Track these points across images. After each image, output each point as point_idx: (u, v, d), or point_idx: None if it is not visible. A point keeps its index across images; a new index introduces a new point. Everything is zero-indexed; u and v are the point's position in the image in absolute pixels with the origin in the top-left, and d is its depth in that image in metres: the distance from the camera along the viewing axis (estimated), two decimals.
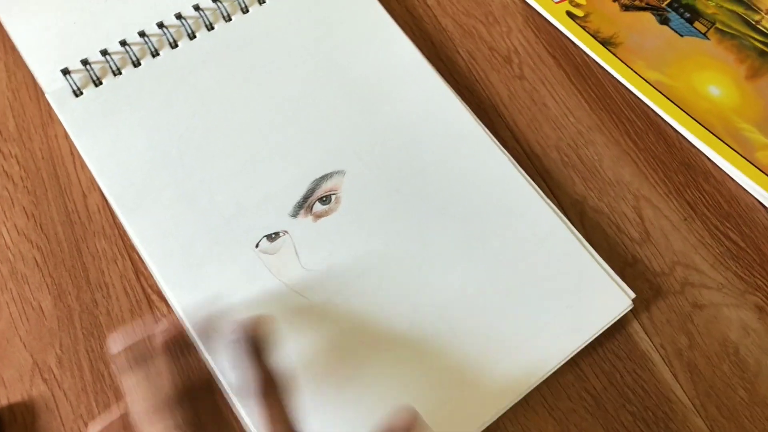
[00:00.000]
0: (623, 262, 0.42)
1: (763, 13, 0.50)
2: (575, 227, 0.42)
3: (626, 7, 0.50)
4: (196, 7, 0.46)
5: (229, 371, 0.36)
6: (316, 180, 0.42)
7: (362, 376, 0.38)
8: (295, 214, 0.41)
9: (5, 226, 0.41)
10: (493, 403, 0.37)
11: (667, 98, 0.47)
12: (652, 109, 0.47)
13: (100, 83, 0.44)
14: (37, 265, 0.41)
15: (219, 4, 0.47)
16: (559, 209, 0.43)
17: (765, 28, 0.49)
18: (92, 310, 0.40)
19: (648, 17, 0.50)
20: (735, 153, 0.45)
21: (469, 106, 0.45)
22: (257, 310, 0.38)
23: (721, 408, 0.39)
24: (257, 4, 0.47)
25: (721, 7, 0.50)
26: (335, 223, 0.41)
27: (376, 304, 0.39)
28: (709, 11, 0.50)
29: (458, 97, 0.45)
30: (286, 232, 0.41)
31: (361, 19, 0.48)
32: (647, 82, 0.47)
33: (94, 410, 0.38)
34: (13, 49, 0.46)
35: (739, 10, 0.50)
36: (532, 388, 0.38)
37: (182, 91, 0.44)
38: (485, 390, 0.38)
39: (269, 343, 0.34)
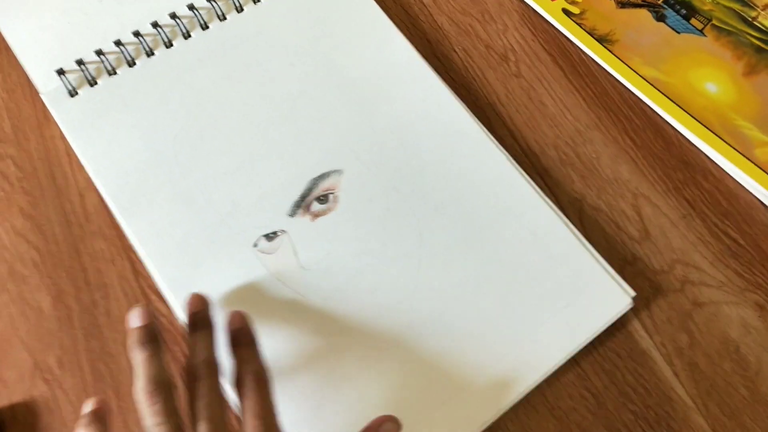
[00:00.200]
0: (623, 261, 0.42)
1: (759, 10, 0.50)
2: (574, 225, 0.42)
3: (622, 4, 0.50)
4: (191, 7, 0.46)
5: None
6: (314, 179, 0.42)
7: (361, 376, 0.37)
8: (292, 214, 0.41)
9: (2, 227, 0.41)
10: (493, 403, 0.37)
11: (665, 95, 0.47)
12: (649, 107, 0.47)
13: (96, 83, 0.44)
14: (36, 265, 0.40)
15: (213, 3, 0.46)
16: (557, 207, 0.43)
17: (761, 24, 0.49)
18: (91, 311, 0.40)
19: (644, 14, 0.50)
20: (733, 150, 0.45)
21: (466, 104, 0.45)
22: (255, 309, 0.38)
23: (722, 406, 0.39)
24: (252, 3, 0.47)
25: (718, 3, 0.50)
26: (333, 223, 0.41)
27: (374, 303, 0.39)
28: (706, 8, 0.50)
29: (455, 95, 0.45)
30: (284, 231, 0.41)
31: (356, 17, 0.48)
32: (644, 79, 0.47)
33: None
34: (7, 49, 0.45)
35: (736, 6, 0.50)
36: (533, 387, 0.38)
37: (178, 91, 0.44)
38: (486, 389, 0.37)
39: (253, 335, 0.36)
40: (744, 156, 0.45)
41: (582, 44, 0.49)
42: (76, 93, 0.44)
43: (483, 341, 0.39)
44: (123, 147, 0.42)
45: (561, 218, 0.42)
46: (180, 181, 0.42)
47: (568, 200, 0.44)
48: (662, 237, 0.43)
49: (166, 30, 0.46)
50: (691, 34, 0.49)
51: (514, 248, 0.41)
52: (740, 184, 0.45)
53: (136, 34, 0.45)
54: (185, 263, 0.39)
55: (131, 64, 0.45)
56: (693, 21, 0.49)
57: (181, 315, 0.38)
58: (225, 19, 0.47)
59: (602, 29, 0.49)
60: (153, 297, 0.40)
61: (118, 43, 0.45)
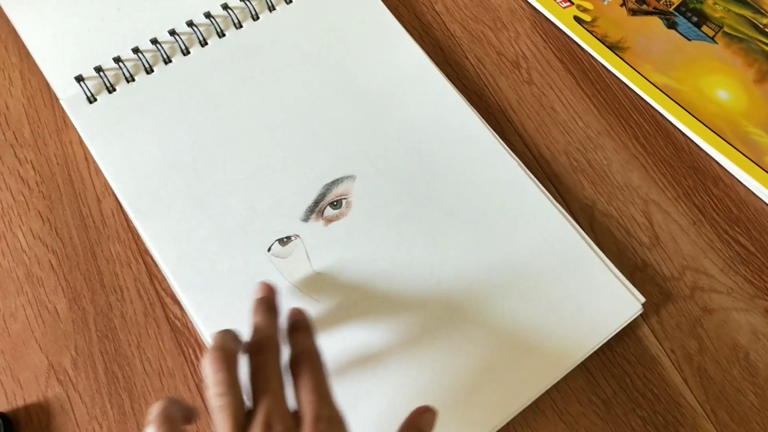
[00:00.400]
0: (633, 267, 0.43)
1: None
2: (585, 231, 0.42)
3: (634, 12, 0.50)
4: (207, 15, 0.47)
5: None
6: (327, 184, 0.43)
7: (373, 379, 0.38)
8: (306, 219, 0.42)
9: (21, 230, 0.42)
10: (503, 407, 0.38)
11: (676, 102, 0.47)
12: (660, 113, 0.47)
13: (114, 90, 0.45)
14: (53, 268, 0.41)
15: (230, 11, 0.47)
16: (568, 213, 0.43)
17: None
18: (107, 313, 0.40)
19: (655, 21, 0.50)
20: (744, 157, 0.45)
21: (477, 111, 0.46)
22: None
23: (731, 413, 0.39)
24: (267, 11, 0.48)
25: (729, 11, 0.50)
26: (346, 228, 0.42)
27: (386, 307, 0.40)
28: (717, 15, 0.50)
29: (467, 101, 0.46)
30: (297, 236, 0.41)
31: (370, 25, 0.48)
32: (655, 86, 0.47)
33: (109, 412, 0.38)
34: (27, 56, 0.46)
35: (747, 13, 0.50)
36: (542, 392, 0.38)
37: (194, 97, 0.45)
38: (495, 394, 0.38)
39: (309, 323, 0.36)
40: (754, 163, 0.45)
41: (593, 51, 0.49)
42: (95, 99, 0.44)
43: (494, 346, 0.39)
44: (141, 152, 0.43)
45: (572, 224, 0.42)
46: (197, 187, 0.42)
47: (579, 206, 0.44)
48: (672, 243, 0.43)
49: (184, 37, 0.46)
50: (703, 42, 0.49)
51: (526, 254, 0.41)
52: (750, 191, 0.45)
53: (154, 41, 0.46)
54: (201, 267, 0.40)
55: (149, 71, 0.46)
56: (704, 28, 0.50)
57: (196, 318, 0.39)
58: (241, 26, 0.47)
59: (613, 36, 0.49)
60: (168, 300, 0.41)
61: (136, 50, 0.46)
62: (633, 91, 0.48)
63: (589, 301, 0.40)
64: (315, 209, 0.42)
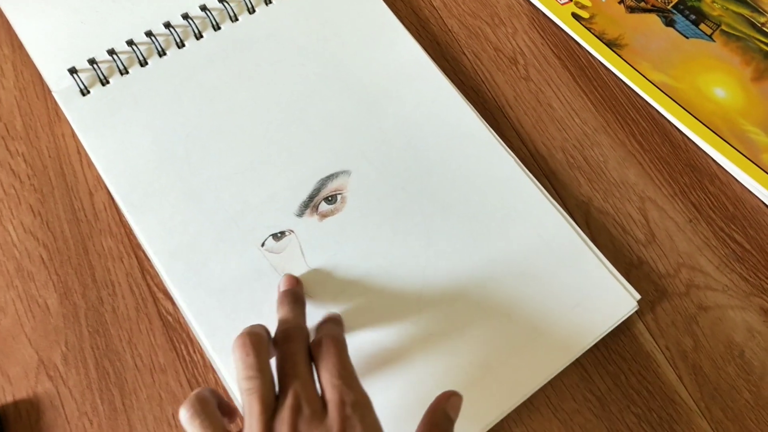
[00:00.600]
0: (628, 264, 0.42)
1: None
2: (580, 228, 0.42)
3: (632, 9, 0.50)
4: (203, 8, 0.47)
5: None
6: (322, 179, 0.42)
7: (365, 376, 0.38)
8: (300, 214, 0.41)
9: (12, 223, 0.42)
10: (497, 404, 0.37)
11: (673, 100, 0.47)
12: (657, 111, 0.47)
13: (107, 82, 0.44)
14: (44, 262, 0.41)
15: (225, 4, 0.47)
16: (564, 210, 0.43)
17: None
18: (98, 308, 0.40)
19: (653, 19, 0.50)
20: (740, 155, 0.45)
21: (474, 106, 0.45)
22: (262, 309, 0.39)
23: (726, 410, 0.39)
24: (264, 4, 0.48)
25: (727, 9, 0.50)
26: (341, 223, 0.41)
27: (380, 303, 0.39)
28: (715, 13, 0.50)
29: (464, 97, 0.45)
30: (291, 231, 0.41)
31: (367, 19, 0.48)
32: (652, 83, 0.47)
33: (99, 408, 0.38)
34: (20, 47, 0.46)
35: (745, 12, 0.50)
36: (536, 389, 0.38)
37: (189, 91, 0.44)
38: (489, 390, 0.38)
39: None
40: (751, 161, 0.45)
41: (591, 48, 0.49)
42: (88, 92, 0.44)
43: (488, 342, 0.39)
44: (134, 146, 0.43)
45: (568, 221, 0.42)
46: (190, 181, 0.42)
47: (575, 203, 0.44)
48: (668, 240, 0.43)
49: (179, 30, 0.46)
50: (700, 39, 0.49)
51: (521, 250, 0.41)
52: (747, 189, 0.45)
53: (149, 34, 0.46)
54: (193, 262, 0.40)
55: (143, 63, 0.45)
56: (702, 26, 0.49)
57: (188, 313, 0.39)
58: (237, 20, 0.47)
59: (611, 33, 0.49)
60: (160, 296, 0.40)
61: (130, 42, 0.45)
62: (630, 88, 0.48)
63: (585, 298, 0.40)
64: (309, 204, 0.42)
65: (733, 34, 0.49)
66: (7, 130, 0.44)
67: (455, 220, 0.42)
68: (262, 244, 0.40)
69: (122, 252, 0.41)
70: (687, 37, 0.49)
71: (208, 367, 0.39)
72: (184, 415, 0.30)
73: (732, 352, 0.40)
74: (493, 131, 0.44)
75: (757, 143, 0.45)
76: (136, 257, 0.41)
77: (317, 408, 0.30)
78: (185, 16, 0.46)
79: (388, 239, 0.41)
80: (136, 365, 0.39)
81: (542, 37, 0.50)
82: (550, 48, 0.49)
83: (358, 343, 0.38)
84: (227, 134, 0.43)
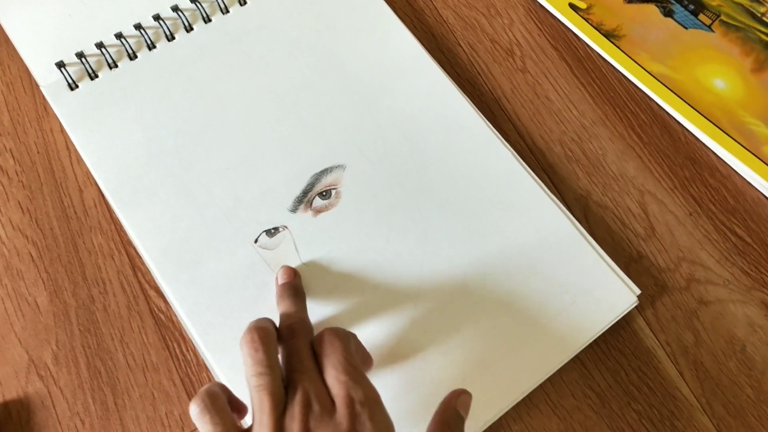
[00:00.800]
0: (628, 258, 0.42)
1: None
2: (579, 222, 0.42)
3: None
4: None
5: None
6: (316, 174, 0.42)
7: None
8: (294, 209, 0.41)
9: (0, 221, 0.41)
10: (496, 401, 0.37)
11: (672, 91, 0.46)
12: (656, 103, 0.46)
13: (96, 76, 0.43)
14: (33, 260, 0.40)
15: None
16: (562, 204, 0.42)
17: None
18: (89, 306, 0.39)
19: (652, 9, 0.49)
20: (741, 147, 0.44)
21: (470, 99, 0.45)
22: (256, 306, 0.38)
23: (727, 406, 0.39)
24: None
25: None
26: (335, 219, 0.41)
27: (376, 300, 0.39)
28: (714, 3, 0.49)
29: (460, 90, 0.45)
30: (285, 227, 0.40)
31: (361, 11, 0.47)
32: (651, 74, 0.47)
33: (91, 407, 0.37)
34: (7, 41, 0.45)
35: (744, 2, 0.49)
36: (535, 386, 0.38)
37: (179, 84, 0.44)
38: (487, 388, 0.37)
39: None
40: (752, 153, 0.44)
41: (589, 39, 0.48)
42: (77, 86, 0.43)
43: (486, 338, 0.38)
44: (123, 141, 0.42)
45: (566, 215, 0.42)
46: (181, 176, 0.41)
47: (574, 197, 0.44)
48: (668, 234, 0.43)
49: (168, 23, 0.45)
50: (699, 30, 0.48)
51: (519, 245, 0.40)
52: (747, 182, 0.44)
53: (138, 26, 0.45)
54: (185, 259, 0.39)
55: (132, 57, 0.44)
56: (701, 17, 0.49)
57: (181, 311, 0.38)
58: (228, 11, 0.46)
59: (609, 24, 0.48)
60: (152, 293, 0.39)
61: (119, 35, 0.44)
62: (629, 80, 0.47)
63: (584, 293, 0.39)
64: (303, 199, 0.41)
65: (733, 25, 0.48)
66: None
67: (452, 215, 0.41)
68: (255, 241, 0.40)
69: (113, 249, 0.41)
70: (686, 28, 0.48)
71: (201, 366, 0.38)
72: (195, 409, 0.30)
73: (733, 347, 0.40)
74: (489, 124, 0.44)
75: (758, 135, 0.45)
76: (127, 254, 0.40)
77: (327, 404, 0.30)
78: (175, 9, 0.45)
79: (383, 235, 0.40)
80: (128, 364, 0.38)
81: (539, 28, 0.49)
82: (547, 39, 0.48)
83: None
84: (219, 128, 0.42)
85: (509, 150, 0.43)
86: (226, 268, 0.39)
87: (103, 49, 0.44)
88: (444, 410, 0.33)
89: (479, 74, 0.47)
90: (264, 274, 0.39)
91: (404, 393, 0.37)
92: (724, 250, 0.42)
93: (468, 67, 0.47)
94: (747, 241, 0.43)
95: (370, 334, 0.38)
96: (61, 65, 0.43)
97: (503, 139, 0.43)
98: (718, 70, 0.47)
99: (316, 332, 0.35)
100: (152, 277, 0.40)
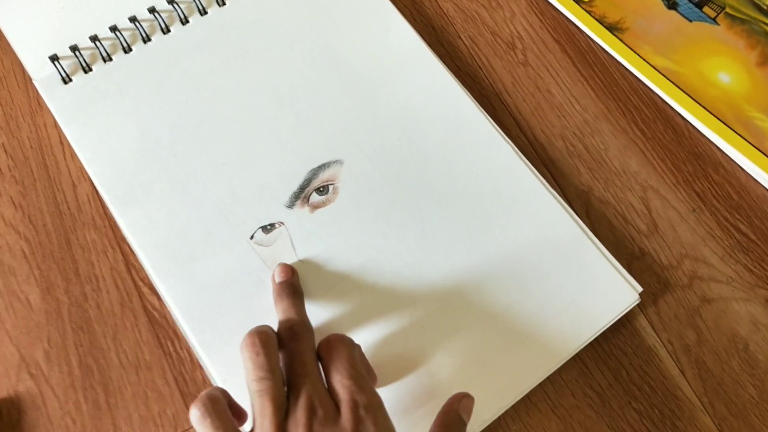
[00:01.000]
0: (630, 255, 0.41)
1: None
2: (581, 219, 0.41)
3: None
4: None
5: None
6: (314, 170, 0.41)
7: None
8: (291, 205, 0.40)
9: None
10: (494, 401, 0.36)
11: (676, 85, 0.45)
12: (659, 97, 0.46)
13: (90, 70, 0.43)
14: (25, 256, 0.39)
15: None
16: (563, 200, 0.42)
17: None
18: (81, 304, 0.39)
19: (655, 2, 0.48)
20: (746, 142, 0.44)
21: (471, 93, 0.44)
22: (251, 304, 0.37)
23: (729, 406, 0.38)
24: None
25: None
26: (333, 215, 0.40)
27: (374, 298, 0.38)
28: None
29: (460, 83, 0.44)
30: (281, 223, 0.40)
31: (360, 3, 0.46)
32: (655, 68, 0.46)
33: (83, 406, 0.36)
34: None
35: None
36: (535, 385, 0.37)
37: (175, 78, 0.43)
38: (486, 387, 0.36)
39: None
40: (756, 148, 0.43)
41: (591, 32, 0.47)
42: (70, 80, 0.43)
43: (485, 337, 0.38)
44: (118, 135, 0.41)
45: (567, 211, 0.41)
46: (176, 171, 0.41)
47: (575, 192, 0.43)
48: (671, 231, 0.42)
49: (164, 15, 0.44)
50: (704, 23, 0.47)
51: (519, 242, 0.40)
52: (752, 177, 0.44)
53: (133, 19, 0.44)
54: (180, 256, 0.38)
55: (127, 50, 0.44)
56: (705, 9, 0.48)
57: (175, 309, 0.37)
58: (224, 4, 0.45)
59: (612, 17, 0.48)
60: (145, 291, 0.39)
61: (113, 28, 0.44)
62: (632, 73, 0.46)
63: (585, 291, 0.39)
64: (300, 195, 0.40)
65: (738, 17, 0.48)
66: None
67: (451, 211, 0.40)
68: (251, 237, 0.39)
69: (106, 246, 0.40)
70: (690, 21, 0.48)
71: (195, 365, 0.38)
72: (195, 414, 0.30)
73: (736, 345, 0.39)
74: (490, 119, 0.43)
75: (763, 130, 0.44)
76: (121, 251, 0.40)
77: (330, 409, 0.30)
78: (171, 1, 0.45)
79: (381, 231, 0.40)
80: (121, 363, 0.38)
81: (541, 21, 0.48)
82: (549, 32, 0.48)
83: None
84: (214, 123, 0.42)
85: (510, 145, 0.42)
86: (221, 265, 0.38)
87: (97, 42, 0.43)
88: (446, 413, 0.33)
89: (480, 68, 0.46)
90: (260, 271, 0.38)
91: (403, 393, 0.36)
92: (728, 247, 0.42)
93: (468, 60, 0.47)
94: (751, 238, 0.42)
95: (367, 332, 0.37)
96: (54, 58, 0.43)
97: (504, 134, 0.43)
98: (722, 64, 0.46)
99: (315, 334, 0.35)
100: (146, 274, 0.39)
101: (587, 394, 0.38)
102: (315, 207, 0.40)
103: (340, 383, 0.31)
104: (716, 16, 0.48)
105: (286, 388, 0.31)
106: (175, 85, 0.43)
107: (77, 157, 0.41)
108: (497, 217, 0.41)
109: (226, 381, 0.36)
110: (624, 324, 0.40)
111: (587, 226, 0.41)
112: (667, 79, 0.46)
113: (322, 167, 0.41)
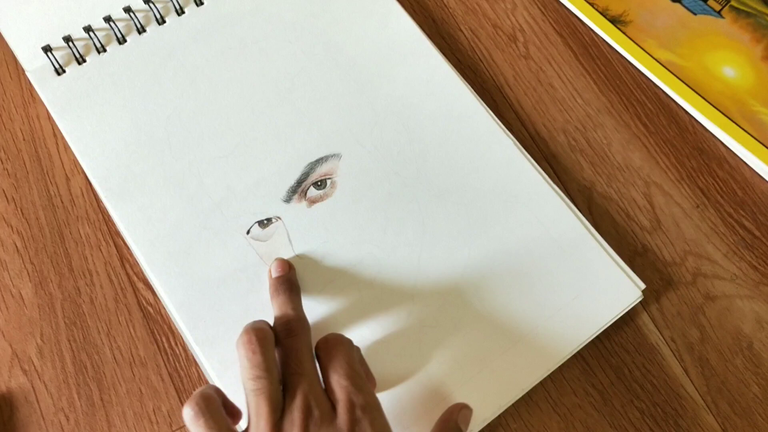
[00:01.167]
0: (633, 251, 0.41)
1: None
2: (583, 214, 0.41)
3: None
4: None
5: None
6: (311, 163, 0.40)
7: None
8: (288, 200, 0.39)
9: None
10: (495, 399, 0.36)
11: (680, 79, 0.45)
12: (663, 91, 0.45)
13: (84, 61, 0.42)
14: (17, 251, 0.39)
15: None
16: (565, 195, 0.41)
17: None
18: (75, 299, 0.38)
19: None
20: (750, 137, 0.43)
21: (472, 86, 0.43)
22: (247, 300, 0.37)
23: (733, 405, 0.38)
24: None
25: None
26: (331, 209, 0.39)
27: (372, 294, 0.38)
28: None
29: (461, 77, 0.43)
30: (278, 218, 0.39)
31: None
32: (658, 62, 0.45)
33: (76, 403, 0.36)
34: None
35: None
36: (535, 383, 0.37)
37: (170, 69, 0.42)
38: (486, 385, 0.36)
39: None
40: (762, 143, 0.43)
41: (594, 25, 0.47)
42: (64, 71, 0.42)
43: (485, 334, 0.37)
44: (112, 128, 0.41)
45: (569, 206, 0.40)
46: (171, 165, 0.40)
47: (577, 188, 0.42)
48: (674, 227, 0.41)
49: (159, 6, 0.44)
50: (709, 16, 0.47)
51: (520, 238, 0.39)
52: (757, 173, 0.43)
53: (127, 9, 0.43)
54: (175, 250, 0.38)
55: (121, 41, 0.43)
56: (710, 2, 0.47)
57: (170, 304, 0.37)
58: None
59: (615, 9, 0.47)
60: (140, 285, 0.38)
61: (108, 19, 0.43)
62: (635, 67, 0.46)
63: (587, 288, 0.38)
64: (297, 189, 0.40)
65: (743, 10, 0.47)
66: None
67: (451, 206, 0.40)
68: (248, 232, 0.39)
69: (100, 240, 0.39)
70: (694, 14, 0.47)
71: (190, 361, 0.37)
72: (188, 413, 0.29)
73: (740, 343, 0.39)
74: (491, 112, 0.43)
75: None
76: (115, 245, 0.39)
77: (327, 409, 0.30)
78: None
79: (380, 227, 0.39)
80: (115, 358, 0.37)
81: (543, 13, 0.47)
82: (551, 24, 0.47)
83: (348, 336, 0.36)
84: (210, 116, 0.41)
85: (511, 139, 0.42)
86: (217, 260, 0.38)
87: (91, 33, 0.43)
88: (444, 423, 0.33)
89: (481, 60, 0.46)
90: (256, 266, 0.38)
91: (401, 392, 0.36)
92: (732, 243, 0.41)
93: (469, 52, 0.46)
94: (755, 234, 0.41)
95: (365, 329, 0.37)
96: (47, 49, 0.42)
97: (505, 128, 0.42)
98: (727, 58, 0.45)
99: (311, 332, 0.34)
100: (141, 269, 0.38)
101: (589, 392, 0.38)
102: (312, 201, 0.40)
103: (338, 383, 0.30)
104: (721, 9, 0.47)
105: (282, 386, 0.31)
106: (171, 76, 0.42)
107: (71, 149, 0.40)
108: (498, 212, 0.40)
109: (222, 377, 0.35)
110: (626, 321, 0.39)
111: (589, 221, 0.40)
112: (671, 73, 0.45)
113: (320, 161, 0.41)
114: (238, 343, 0.31)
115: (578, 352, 0.38)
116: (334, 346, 0.32)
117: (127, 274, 0.39)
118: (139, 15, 0.43)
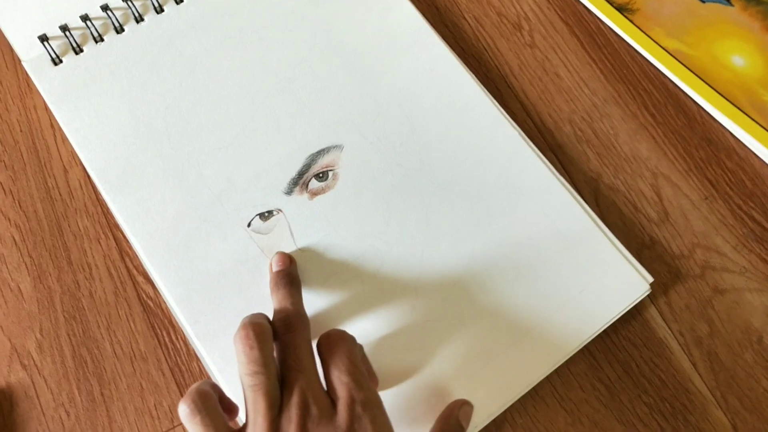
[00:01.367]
0: (640, 244, 0.40)
1: None
2: (589, 206, 0.40)
3: None
4: None
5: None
6: (312, 155, 0.40)
7: None
8: (289, 192, 0.39)
9: None
10: (500, 394, 0.35)
11: (688, 68, 0.44)
12: (671, 80, 0.44)
13: (81, 51, 0.42)
14: (16, 244, 0.38)
15: None
16: (572, 187, 0.41)
17: None
18: (74, 292, 0.38)
19: None
20: (760, 127, 0.42)
21: (476, 75, 0.43)
22: (248, 294, 0.36)
23: (742, 399, 0.37)
24: None
25: None
26: (332, 202, 0.39)
27: (375, 288, 0.37)
28: None
29: (465, 66, 0.43)
30: (279, 210, 0.38)
31: None
32: (666, 51, 0.45)
33: (77, 398, 0.36)
34: None
35: None
36: (542, 377, 0.36)
37: (168, 59, 0.42)
38: (492, 380, 0.36)
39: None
40: None
41: (600, 13, 0.46)
42: (60, 61, 0.41)
43: (490, 328, 0.37)
44: (110, 119, 0.40)
45: (576, 198, 0.40)
46: (170, 156, 0.39)
47: (584, 179, 0.42)
48: (682, 219, 0.41)
49: None
50: (717, 4, 0.46)
51: (526, 230, 0.39)
52: (766, 164, 0.43)
53: None
54: (175, 243, 0.37)
55: (119, 30, 0.42)
56: None
57: (170, 298, 0.36)
58: None
59: None
60: (140, 279, 0.38)
61: (105, 7, 0.42)
62: (642, 56, 0.45)
63: (593, 281, 0.38)
64: (299, 181, 0.39)
65: None
66: None
67: (455, 197, 0.39)
68: (249, 225, 0.38)
69: (99, 233, 0.39)
70: (703, 1, 0.46)
71: (191, 355, 0.37)
72: (184, 410, 0.29)
73: (750, 337, 0.38)
74: (496, 102, 0.42)
75: None
76: (114, 238, 0.39)
77: (325, 406, 0.29)
78: None
79: (383, 219, 0.39)
80: (115, 353, 0.36)
81: (548, 1, 0.47)
82: (557, 13, 0.46)
83: (350, 331, 0.36)
84: (210, 106, 0.41)
85: (516, 129, 0.41)
86: (217, 253, 0.37)
87: (88, 22, 0.42)
88: (445, 419, 0.33)
89: (485, 49, 0.45)
90: (257, 259, 0.37)
91: (404, 388, 0.35)
92: (741, 236, 0.41)
93: (473, 41, 0.45)
94: (765, 226, 0.41)
95: (368, 323, 0.36)
96: (44, 39, 0.41)
97: (510, 118, 0.42)
98: (736, 47, 0.45)
99: (312, 327, 0.34)
100: (140, 262, 0.38)
101: (596, 387, 0.37)
102: (314, 194, 0.39)
103: (338, 379, 0.30)
104: None
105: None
106: (169, 66, 0.41)
107: (68, 141, 0.40)
108: (503, 204, 0.39)
109: (223, 372, 0.35)
110: (634, 315, 0.38)
111: (596, 213, 0.40)
112: (679, 62, 0.44)
113: (322, 152, 0.40)
114: (235, 338, 0.31)
115: (585, 347, 0.37)
116: (336, 342, 0.31)
117: (127, 267, 0.38)
118: (137, 3, 0.43)
